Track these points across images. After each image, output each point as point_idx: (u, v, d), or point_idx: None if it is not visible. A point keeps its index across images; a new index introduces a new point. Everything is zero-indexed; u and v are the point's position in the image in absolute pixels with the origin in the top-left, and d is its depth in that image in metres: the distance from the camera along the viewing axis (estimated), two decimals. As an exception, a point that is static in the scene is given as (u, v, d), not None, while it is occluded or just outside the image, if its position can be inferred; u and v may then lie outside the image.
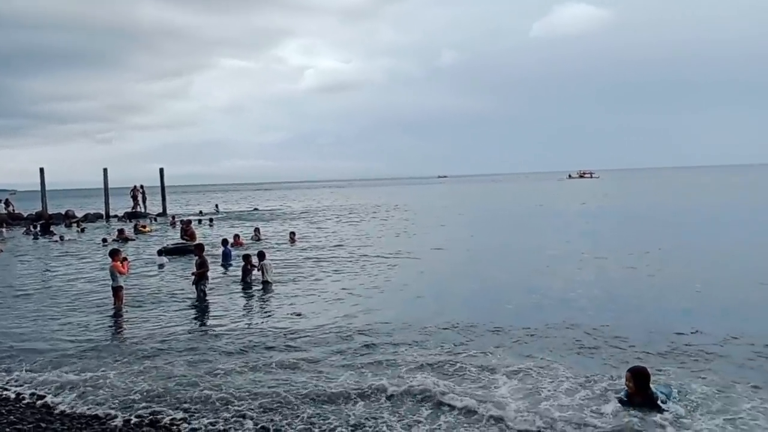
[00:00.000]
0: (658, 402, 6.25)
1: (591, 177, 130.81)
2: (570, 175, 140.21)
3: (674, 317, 10.22)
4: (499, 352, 8.61)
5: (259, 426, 6.37)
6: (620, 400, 6.43)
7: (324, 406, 6.74)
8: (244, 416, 6.62)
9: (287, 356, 8.75)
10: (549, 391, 6.91)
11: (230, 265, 18.89)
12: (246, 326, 10.89)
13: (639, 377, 6.35)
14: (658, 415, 6.12)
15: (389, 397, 6.83)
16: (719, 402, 6.41)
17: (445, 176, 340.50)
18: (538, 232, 26.30)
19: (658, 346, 8.54)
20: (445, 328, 10.10)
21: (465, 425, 6.12)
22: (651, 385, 6.39)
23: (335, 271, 17.17)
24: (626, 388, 6.47)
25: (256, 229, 27.30)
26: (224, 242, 20.95)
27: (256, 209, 54.21)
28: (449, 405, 6.54)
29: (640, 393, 6.32)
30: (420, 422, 6.24)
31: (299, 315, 11.53)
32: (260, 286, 14.75)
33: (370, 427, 6.18)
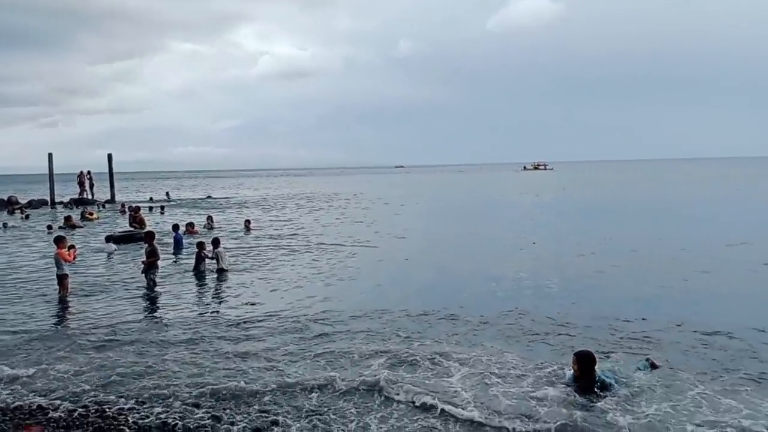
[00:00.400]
0: (603, 386, 6.46)
1: (545, 169, 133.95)
2: (525, 167, 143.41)
3: (623, 305, 10.57)
4: (452, 340, 8.74)
5: (211, 415, 6.31)
6: (566, 384, 6.62)
7: (277, 396, 6.71)
8: (197, 405, 6.55)
9: (241, 346, 8.67)
10: (498, 378, 7.03)
11: (182, 251, 18.59)
12: (198, 315, 10.74)
13: (584, 361, 6.53)
14: (602, 398, 6.33)
15: (341, 389, 6.80)
16: (664, 388, 6.64)
17: (402, 166, 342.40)
18: (493, 223, 26.72)
19: (607, 333, 8.85)
20: (401, 317, 10.19)
21: (414, 416, 6.15)
22: (596, 369, 6.58)
23: (291, 259, 17.07)
24: (572, 372, 6.66)
25: (209, 217, 26.82)
26: (175, 228, 20.50)
27: (209, 197, 53.24)
28: (400, 397, 6.53)
29: (585, 376, 6.50)
30: (371, 413, 6.25)
31: (253, 304, 11.42)
32: (215, 275, 14.56)
33: (321, 417, 6.15)
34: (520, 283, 12.84)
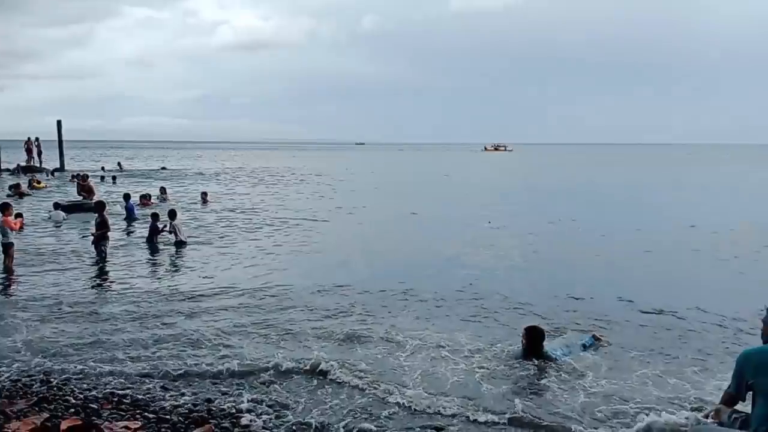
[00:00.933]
0: (551, 361, 6.67)
1: (505, 150, 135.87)
2: (486, 147, 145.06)
3: (574, 285, 10.81)
4: (407, 318, 8.80)
5: (161, 386, 6.20)
6: (516, 359, 6.81)
7: (224, 375, 6.54)
8: (148, 375, 6.45)
9: (192, 321, 8.51)
10: (448, 356, 7.07)
11: (135, 220, 18.24)
12: (150, 288, 10.51)
13: (533, 335, 6.74)
14: (549, 373, 6.50)
15: (288, 367, 6.69)
16: (611, 365, 6.81)
17: (363, 143, 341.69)
18: (451, 202, 26.96)
19: (558, 311, 9.04)
20: (359, 292, 10.23)
21: (357, 397, 6.05)
22: (545, 344, 6.79)
23: (249, 233, 16.90)
24: (522, 346, 6.84)
25: (162, 188, 26.09)
26: (126, 197, 19.91)
27: (164, 168, 51.91)
28: (346, 378, 6.44)
29: (534, 350, 6.71)
30: (314, 394, 6.12)
31: (208, 278, 11.25)
32: (172, 248, 14.31)
33: (263, 397, 6.00)
34: (476, 262, 12.97)
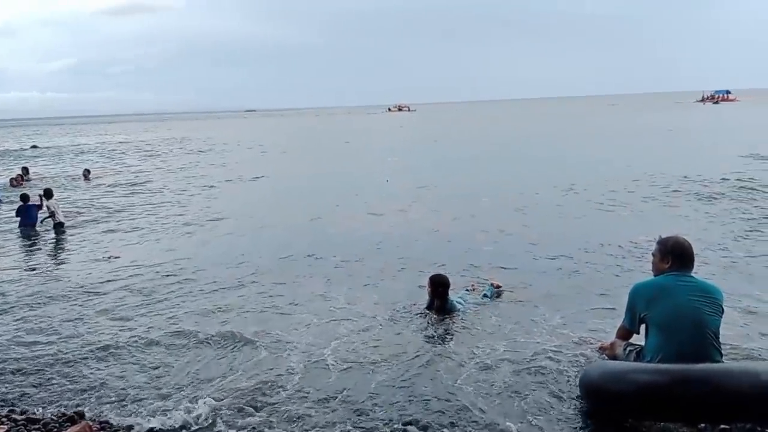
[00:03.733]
0: (454, 310, 6.90)
1: (408, 110, 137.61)
2: (389, 108, 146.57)
3: (473, 239, 11.01)
4: (309, 284, 8.64)
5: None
6: (420, 311, 7.01)
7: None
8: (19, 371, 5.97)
9: (75, 310, 7.89)
10: (348, 317, 7.08)
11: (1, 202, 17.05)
12: (27, 276, 9.72)
13: (437, 283, 6.88)
14: (453, 323, 6.71)
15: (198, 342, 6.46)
16: (513, 312, 7.00)
17: (253, 110, 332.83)
18: (351, 162, 27.01)
19: (458, 265, 9.03)
20: (261, 259, 10.07)
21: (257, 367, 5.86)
22: (450, 293, 6.98)
23: (141, 209, 16.11)
24: (428, 296, 7.01)
25: (24, 169, 23.68)
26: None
27: (34, 146, 48.24)
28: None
29: (438, 299, 6.88)
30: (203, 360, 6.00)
31: (97, 260, 10.56)
32: (50, 232, 13.33)
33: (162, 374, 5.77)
34: (377, 227, 12.91)
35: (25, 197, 14.22)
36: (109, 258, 10.74)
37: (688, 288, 4.52)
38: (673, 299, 4.49)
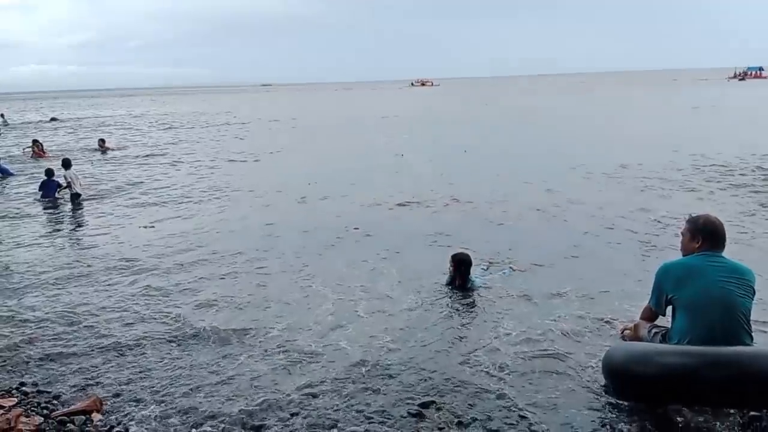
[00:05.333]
0: (474, 287, 7.04)
1: (432, 85, 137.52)
2: (413, 83, 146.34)
3: (508, 221, 10.93)
4: (331, 259, 8.65)
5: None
6: (442, 287, 7.14)
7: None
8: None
9: (92, 287, 7.83)
10: (367, 294, 7.10)
11: (11, 176, 17.29)
12: (49, 253, 9.73)
13: (459, 262, 7.01)
14: (473, 297, 6.83)
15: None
16: (529, 291, 6.95)
17: (269, 84, 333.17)
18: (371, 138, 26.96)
19: (477, 245, 8.93)
20: (287, 232, 10.08)
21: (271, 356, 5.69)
22: (472, 272, 7.11)
23: (159, 180, 16.31)
24: (449, 274, 7.13)
25: (35, 141, 23.97)
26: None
27: (53, 119, 48.74)
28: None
29: (459, 277, 7.02)
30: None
31: (149, 226, 10.68)
32: (68, 204, 13.46)
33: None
34: (387, 194, 12.98)
35: (49, 172, 14.36)
36: (146, 226, 10.94)
37: (719, 269, 4.37)
38: (703, 280, 4.35)
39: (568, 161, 17.09)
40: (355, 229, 10.23)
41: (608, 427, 4.20)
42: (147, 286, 7.62)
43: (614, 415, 4.33)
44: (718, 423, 4.12)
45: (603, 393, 4.61)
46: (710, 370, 3.99)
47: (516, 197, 12.70)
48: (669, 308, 4.62)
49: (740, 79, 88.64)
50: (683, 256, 4.69)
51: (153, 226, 10.99)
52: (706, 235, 4.52)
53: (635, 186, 13.42)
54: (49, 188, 14.05)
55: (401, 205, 12.23)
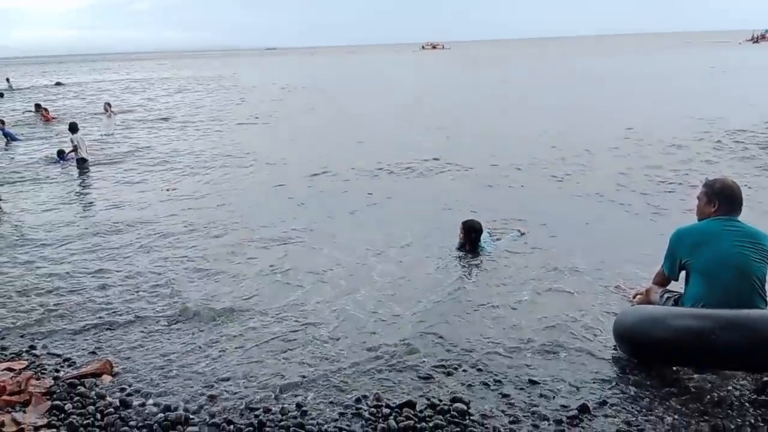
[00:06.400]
0: (484, 252, 7.14)
1: (443, 48, 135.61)
2: (423, 47, 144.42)
3: (517, 185, 10.91)
4: (344, 222, 8.72)
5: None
6: (452, 252, 7.22)
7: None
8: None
9: (120, 246, 7.91)
10: (380, 256, 7.22)
11: (17, 140, 17.31)
12: (57, 220, 9.57)
13: (469, 229, 7.14)
14: (479, 265, 6.87)
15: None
16: (545, 264, 6.79)
17: (273, 48, 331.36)
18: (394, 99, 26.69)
19: (485, 214, 8.85)
20: (298, 194, 10.16)
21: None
22: (482, 238, 7.20)
23: (166, 143, 16.37)
24: (459, 240, 7.24)
25: (37, 105, 23.90)
26: None
27: (59, 83, 48.50)
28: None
29: (470, 243, 7.15)
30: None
31: (118, 207, 10.06)
32: (74, 168, 13.44)
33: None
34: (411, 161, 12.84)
35: (60, 153, 14.35)
36: (167, 189, 11.07)
37: (735, 234, 4.31)
38: (718, 245, 4.29)
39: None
40: (368, 194, 10.32)
41: (618, 391, 4.20)
42: (162, 254, 7.62)
43: (624, 381, 4.32)
44: (730, 387, 4.13)
45: (612, 359, 4.61)
46: (724, 333, 3.95)
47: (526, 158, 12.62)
48: (682, 273, 4.59)
49: (754, 42, 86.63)
50: (698, 220, 4.63)
51: (176, 189, 11.09)
52: (722, 199, 4.45)
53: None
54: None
55: (408, 168, 12.21)
